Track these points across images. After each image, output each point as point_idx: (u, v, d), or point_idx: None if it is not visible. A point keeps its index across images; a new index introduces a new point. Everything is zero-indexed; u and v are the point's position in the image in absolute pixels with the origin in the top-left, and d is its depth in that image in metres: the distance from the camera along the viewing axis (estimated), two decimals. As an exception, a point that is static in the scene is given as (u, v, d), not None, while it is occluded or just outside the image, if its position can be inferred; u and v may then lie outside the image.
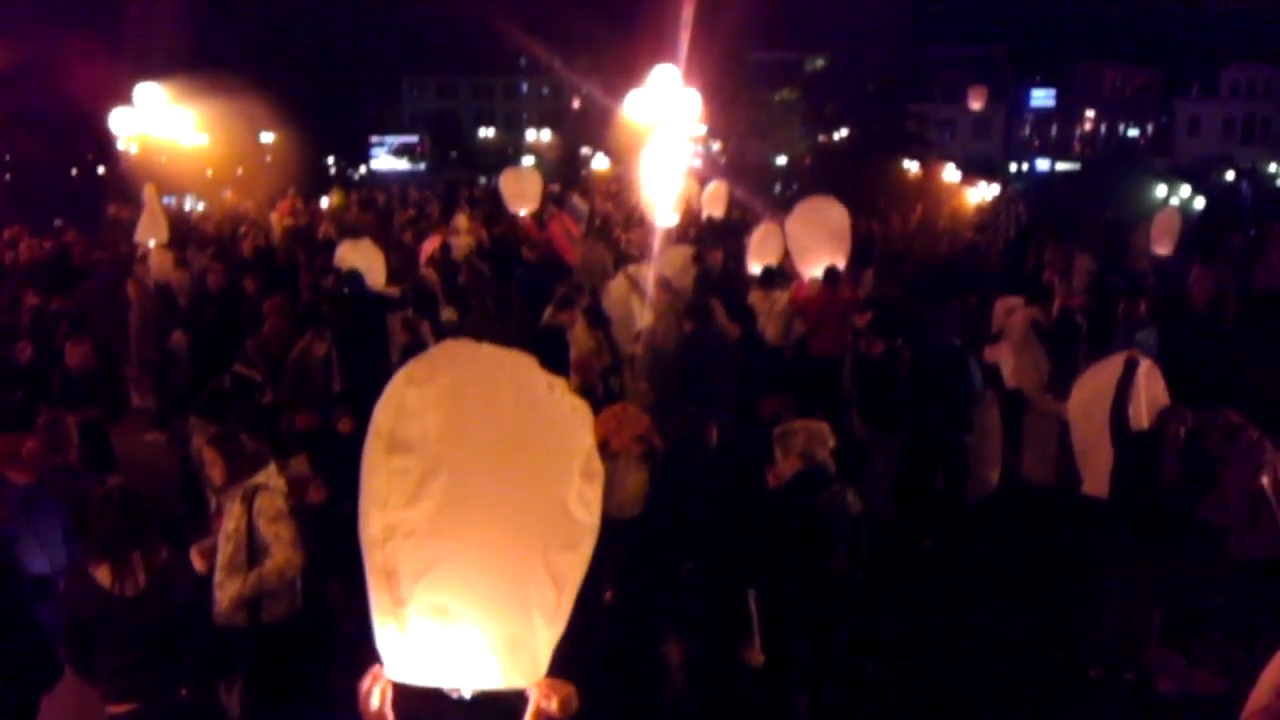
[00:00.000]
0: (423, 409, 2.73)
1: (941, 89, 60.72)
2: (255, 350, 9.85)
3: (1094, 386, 7.41)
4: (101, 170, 32.53)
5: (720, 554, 6.33)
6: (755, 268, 13.10)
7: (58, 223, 19.65)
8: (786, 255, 12.99)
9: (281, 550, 5.52)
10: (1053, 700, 6.96)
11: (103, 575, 4.55)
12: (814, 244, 12.35)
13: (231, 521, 5.58)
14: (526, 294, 12.66)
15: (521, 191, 17.50)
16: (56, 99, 31.64)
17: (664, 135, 16.64)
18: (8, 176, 36.46)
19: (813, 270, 12.05)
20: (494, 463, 2.74)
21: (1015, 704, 6.94)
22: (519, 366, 2.92)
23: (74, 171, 37.21)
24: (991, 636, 7.71)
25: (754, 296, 12.05)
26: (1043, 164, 70.72)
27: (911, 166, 42.25)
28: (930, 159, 42.40)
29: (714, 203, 19.21)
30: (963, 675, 7.25)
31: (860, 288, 13.02)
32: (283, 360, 9.35)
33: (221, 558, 5.55)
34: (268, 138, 41.65)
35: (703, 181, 20.79)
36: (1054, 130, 76.47)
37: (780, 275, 12.74)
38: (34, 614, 5.22)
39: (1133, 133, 78.83)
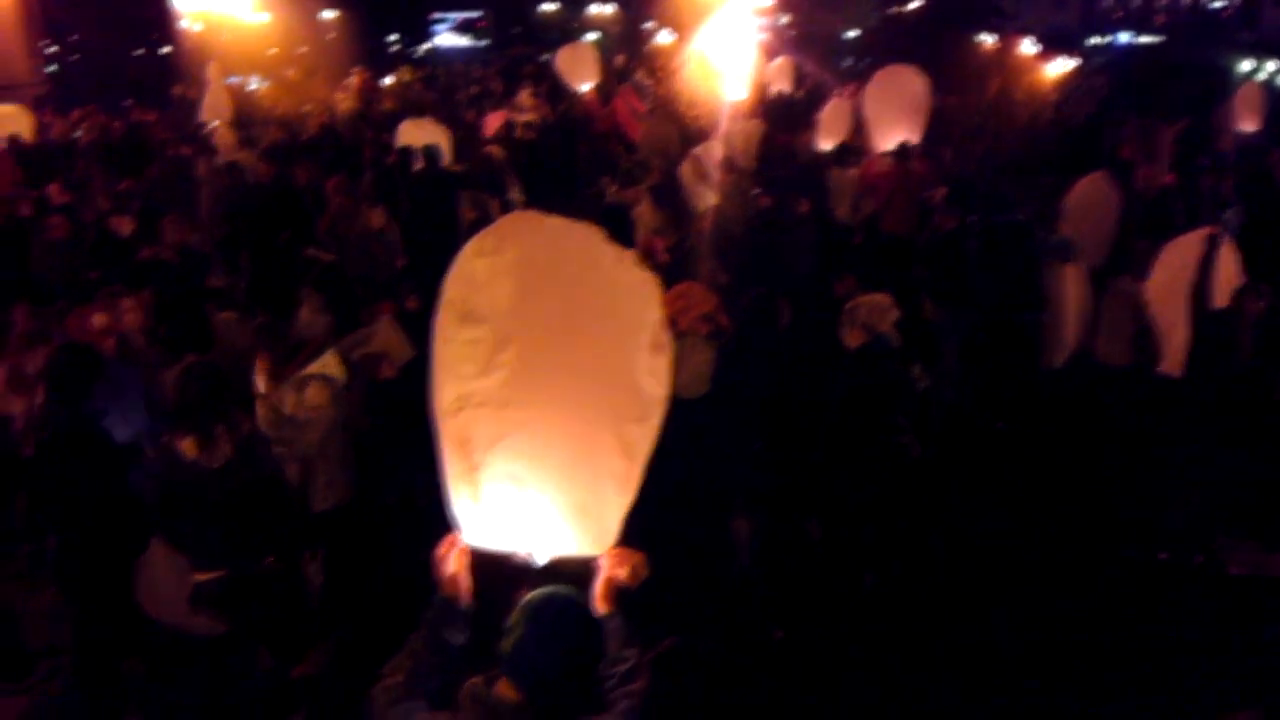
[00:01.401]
0: (492, 280, 2.73)
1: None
2: (325, 231, 9.90)
3: (1174, 264, 7.22)
4: (165, 50, 32.49)
5: (787, 431, 6.33)
6: (826, 144, 12.83)
7: (127, 103, 19.75)
8: (859, 130, 12.70)
9: (306, 442, 5.56)
10: (1120, 583, 6.93)
11: (188, 447, 4.67)
12: (890, 117, 12.04)
13: (285, 411, 5.64)
14: (591, 171, 12.55)
15: (578, 67, 17.21)
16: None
17: (730, 8, 16.23)
18: (75, 57, 36.54)
19: (888, 145, 11.78)
20: (563, 333, 2.74)
21: (1082, 587, 6.92)
22: (587, 238, 2.90)
23: (138, 52, 37.18)
24: (1060, 518, 7.67)
25: (831, 174, 11.83)
26: (1124, 37, 67.93)
27: (987, 39, 40.83)
28: (1007, 31, 40.91)
29: (780, 77, 18.79)
30: (1030, 556, 7.24)
31: (934, 163, 12.73)
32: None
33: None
34: (329, 15, 41.26)
35: (770, 55, 20.31)
36: (1136, 1, 73.27)
37: (852, 151, 12.48)
38: (125, 483, 5.40)
39: (1218, 4, 75.33)
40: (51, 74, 31.85)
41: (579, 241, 2.87)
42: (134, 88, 24.92)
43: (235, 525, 4.76)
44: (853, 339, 6.09)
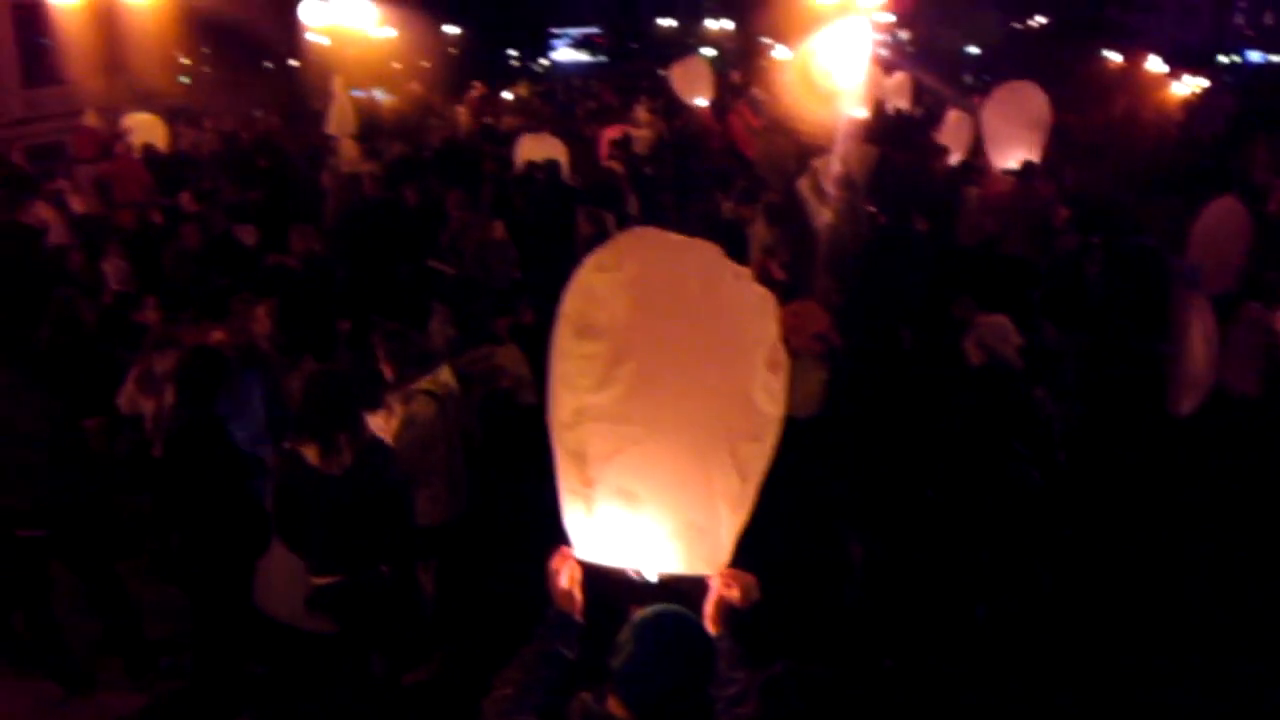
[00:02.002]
0: (611, 295, 2.74)
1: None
2: (447, 243, 10.05)
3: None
4: (293, 64, 33.48)
5: (903, 454, 6.22)
6: (944, 161, 12.63)
7: (256, 114, 20.39)
8: (979, 147, 12.47)
9: (407, 457, 5.55)
10: (1249, 623, 6.65)
11: (311, 454, 4.76)
12: (1010, 134, 11.81)
13: (393, 421, 5.71)
14: (707, 187, 12.55)
15: (693, 83, 17.23)
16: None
17: (847, 23, 16.11)
18: (206, 70, 37.76)
19: (1007, 163, 11.53)
20: (680, 350, 2.73)
21: (1208, 628, 6.66)
22: (705, 255, 2.89)
23: (267, 65, 38.31)
24: (1186, 556, 7.38)
25: (943, 191, 11.64)
26: (1255, 55, 65.47)
27: (1113, 57, 39.78)
28: (1133, 49, 39.79)
29: (898, 93, 18.56)
30: (1153, 594, 6.99)
31: (1055, 183, 12.44)
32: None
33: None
34: (452, 30, 42.05)
35: (888, 71, 20.09)
36: (1268, 19, 70.56)
37: (971, 169, 12.26)
38: (247, 487, 5.55)
39: (1355, 21, 72.20)
40: (184, 85, 32.97)
41: (698, 258, 2.86)
42: (263, 100, 25.70)
43: (353, 532, 4.83)
44: (974, 361, 5.96)
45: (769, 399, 2.83)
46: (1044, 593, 6.68)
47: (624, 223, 10.55)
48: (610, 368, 2.71)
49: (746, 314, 2.85)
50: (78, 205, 12.79)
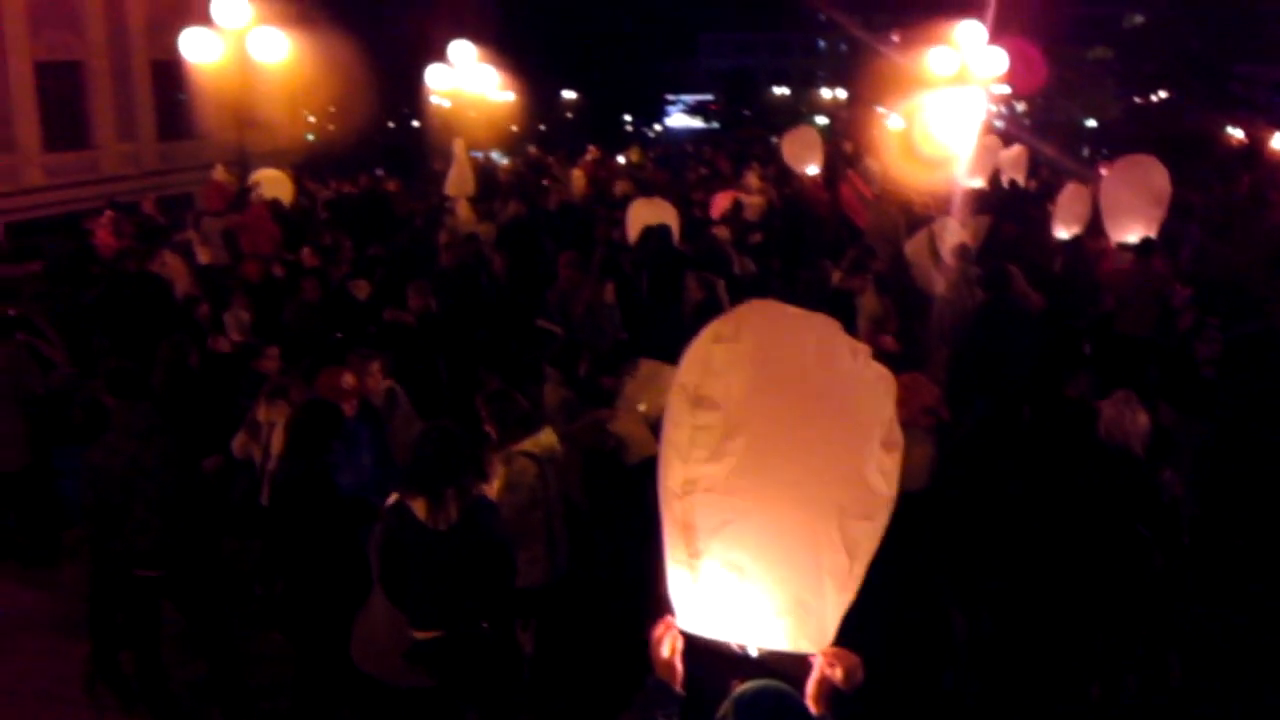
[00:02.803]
0: (728, 367, 2.74)
1: (1272, 48, 55.29)
2: (554, 304, 10.17)
3: None
4: (416, 124, 34.52)
5: (1015, 531, 6.07)
6: (1061, 233, 12.43)
7: (379, 173, 21.01)
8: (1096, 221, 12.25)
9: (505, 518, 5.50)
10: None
11: (419, 508, 4.83)
12: (1129, 208, 11.58)
13: (497, 481, 5.71)
14: (815, 255, 12.52)
15: (803, 151, 17.29)
16: (379, 55, 33.77)
17: (963, 95, 16.04)
18: (331, 127, 39.10)
19: (1125, 237, 11.30)
20: (795, 425, 2.72)
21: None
22: (824, 330, 2.88)
23: (390, 125, 39.58)
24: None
25: (1059, 265, 11.44)
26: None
27: (1237, 133, 38.84)
28: (1259, 125, 38.82)
29: (1014, 166, 18.37)
30: (1267, 677, 6.69)
31: (1173, 261, 12.14)
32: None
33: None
34: (569, 95, 42.99)
35: (1006, 142, 19.92)
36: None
37: (1088, 244, 12.04)
38: (352, 538, 5.64)
39: None
40: (311, 142, 34.12)
41: (816, 333, 2.85)
42: (385, 158, 26.50)
43: (455, 588, 4.86)
44: (1096, 441, 5.82)
45: (882, 479, 2.80)
46: (1172, 676, 6.43)
47: (733, 288, 10.57)
48: (724, 439, 2.71)
49: (863, 391, 2.82)
50: (204, 256, 13.30)
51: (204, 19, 17.11)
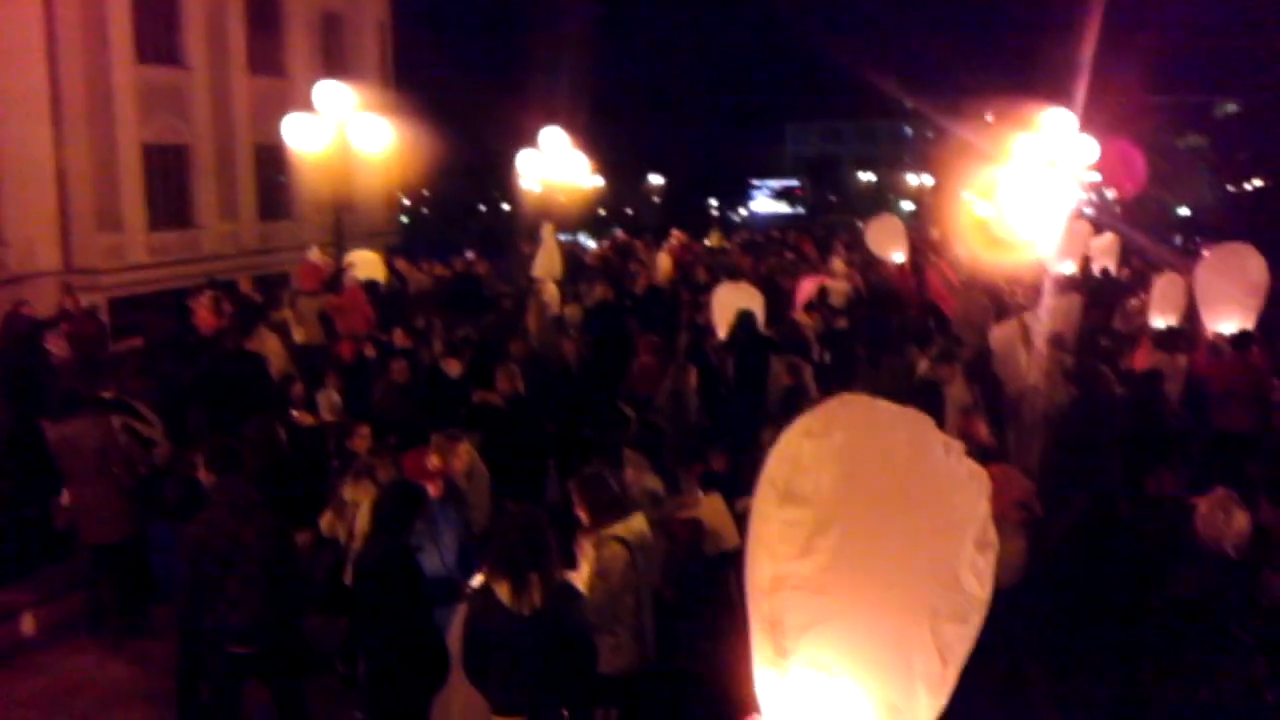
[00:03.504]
0: (818, 463, 2.71)
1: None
2: (627, 387, 10.21)
3: None
4: (507, 207, 35.28)
5: (1108, 632, 5.88)
6: (1157, 323, 12.18)
7: (470, 255, 21.42)
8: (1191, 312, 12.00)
9: (594, 604, 5.51)
10: None
11: (503, 592, 4.83)
12: (1225, 298, 11.33)
13: (586, 564, 5.72)
14: (901, 342, 12.43)
15: (888, 240, 17.24)
16: (473, 141, 34.72)
17: (1054, 182, 15.92)
18: (425, 210, 40.07)
19: (1222, 328, 11.04)
20: (886, 523, 2.68)
21: None
22: (916, 425, 2.85)
23: (482, 208, 40.48)
24: None
25: (1154, 358, 11.18)
26: None
27: (1339, 221, 37.91)
28: (1363, 212, 37.89)
29: (1105, 254, 18.13)
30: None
31: (1272, 353, 11.80)
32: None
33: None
34: (656, 179, 43.61)
35: (1096, 229, 19.69)
36: None
37: (1182, 335, 11.77)
38: (433, 619, 5.66)
39: None
40: (405, 224, 34.92)
41: (908, 429, 2.82)
42: (477, 240, 27.02)
43: (537, 674, 4.84)
44: (1190, 540, 5.64)
45: (976, 580, 2.74)
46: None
47: (820, 375, 10.53)
48: (813, 536, 2.68)
49: (957, 489, 2.78)
50: (299, 335, 13.62)
51: (306, 105, 17.70)
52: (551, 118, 25.94)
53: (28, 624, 8.22)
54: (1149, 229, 28.48)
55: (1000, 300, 15.07)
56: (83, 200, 23.97)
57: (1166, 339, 11.49)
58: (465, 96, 39.09)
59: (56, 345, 13.53)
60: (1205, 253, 12.42)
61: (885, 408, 2.88)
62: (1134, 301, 14.44)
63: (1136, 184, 26.15)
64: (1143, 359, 11.13)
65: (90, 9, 23.56)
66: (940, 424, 6.84)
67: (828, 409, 2.90)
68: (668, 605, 6.11)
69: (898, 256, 17.06)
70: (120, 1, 24.12)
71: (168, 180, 26.18)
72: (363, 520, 6.71)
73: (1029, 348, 10.69)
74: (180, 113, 26.19)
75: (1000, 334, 11.33)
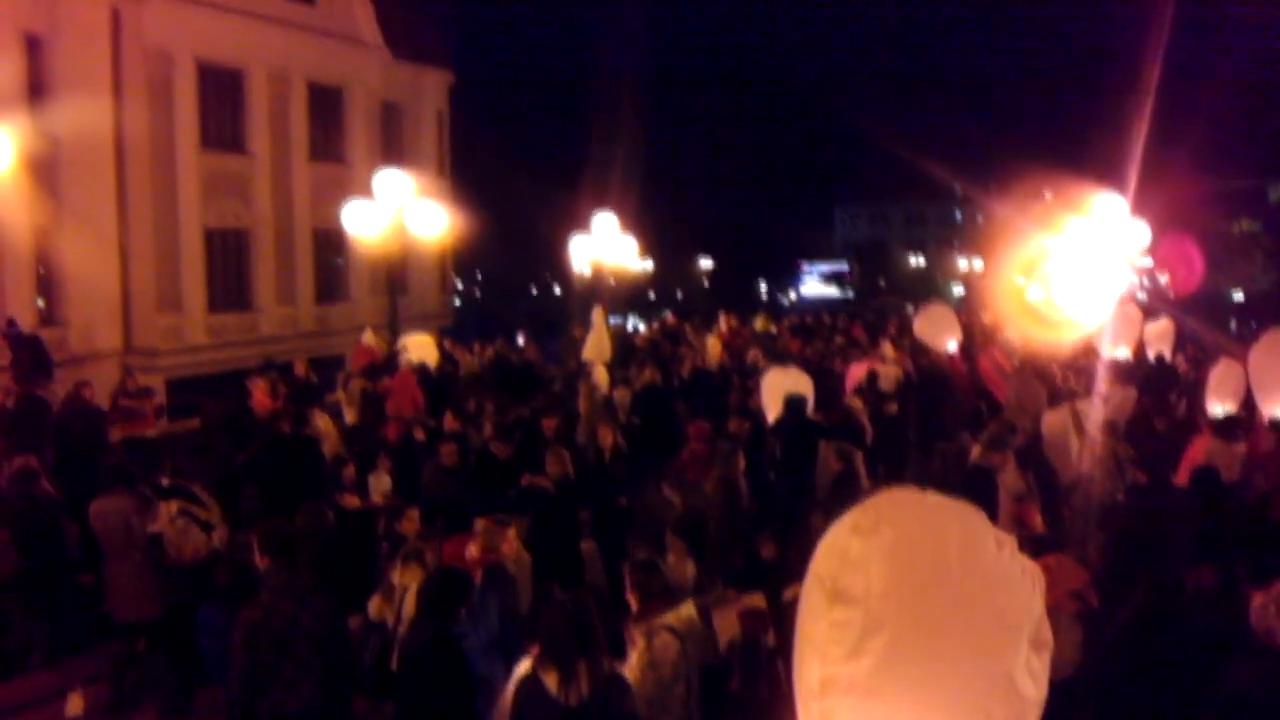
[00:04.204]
0: (866, 561, 2.68)
1: None
2: (673, 473, 10.17)
3: None
4: (557, 290, 35.65)
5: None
6: (1215, 409, 12.00)
7: (520, 337, 21.62)
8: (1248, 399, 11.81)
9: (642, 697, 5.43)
10: None
11: (550, 681, 4.80)
12: (1281, 386, 11.16)
13: (634, 654, 5.66)
14: (952, 428, 12.34)
15: (939, 330, 17.13)
16: (526, 226, 35.27)
17: (1106, 267, 15.81)
18: (477, 292, 40.53)
19: (1278, 414, 10.85)
20: (938, 624, 2.63)
21: None
22: (967, 521, 2.80)
23: (534, 292, 40.93)
24: None
25: (1211, 446, 10.98)
26: None
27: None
28: None
29: (1160, 340, 17.91)
30: None
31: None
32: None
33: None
34: (705, 263, 43.91)
35: (1148, 314, 19.48)
36: None
37: (1240, 422, 11.57)
38: (477, 706, 5.63)
39: None
40: (458, 307, 35.34)
41: (959, 524, 2.78)
42: (528, 323, 27.27)
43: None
44: (1247, 633, 5.50)
45: (1031, 681, 2.68)
46: None
47: (869, 460, 10.45)
48: (863, 638, 2.63)
49: (1010, 587, 2.73)
50: (351, 416, 13.77)
51: (364, 191, 18.09)
52: (602, 202, 26.30)
53: (74, 705, 8.26)
54: (1203, 314, 28.17)
55: (1053, 386, 14.92)
56: (144, 282, 24.61)
57: (1225, 427, 11.29)
58: (518, 182, 39.85)
59: (112, 426, 13.77)
60: (1262, 337, 12.21)
61: (935, 501, 2.84)
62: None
63: (1194, 281, 25.99)
64: (1200, 448, 10.93)
65: (158, 96, 24.40)
66: (993, 512, 6.75)
67: (876, 504, 2.87)
68: (728, 695, 6.03)
69: (950, 345, 16.92)
70: (187, 90, 24.97)
71: (228, 263, 26.80)
72: (410, 605, 6.72)
73: (1081, 435, 10.55)
74: (242, 197, 26.88)
75: (1052, 421, 11.20)
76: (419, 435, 11.72)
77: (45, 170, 20.55)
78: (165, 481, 9.06)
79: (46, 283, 22.89)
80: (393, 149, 31.24)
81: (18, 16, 21.53)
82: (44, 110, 21.33)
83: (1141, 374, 15.69)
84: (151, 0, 23.93)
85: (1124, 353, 16.57)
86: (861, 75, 78.13)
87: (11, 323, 17.26)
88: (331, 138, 29.55)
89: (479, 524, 7.27)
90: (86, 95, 22.55)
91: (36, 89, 21.79)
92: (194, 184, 25.31)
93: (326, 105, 29.30)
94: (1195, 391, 13.52)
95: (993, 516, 6.74)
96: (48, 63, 22.21)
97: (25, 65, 21.62)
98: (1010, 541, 2.82)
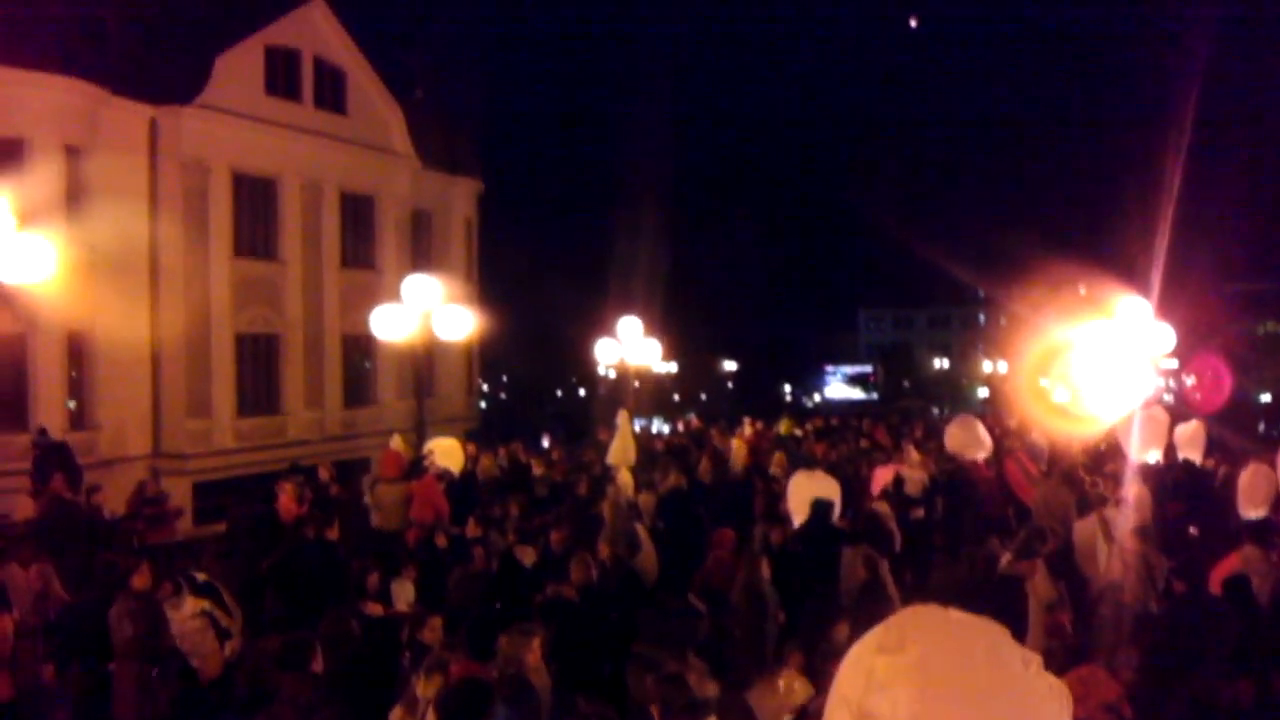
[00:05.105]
0: (892, 681, 2.68)
1: None
2: (699, 581, 10.08)
3: None
4: (582, 392, 35.81)
5: None
6: (1248, 514, 11.86)
7: (545, 440, 21.67)
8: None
9: None
10: None
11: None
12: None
13: None
14: (979, 533, 12.20)
15: (967, 442, 17.03)
16: (551, 330, 35.59)
17: (1134, 370, 15.77)
18: (503, 396, 40.76)
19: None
20: (965, 743, 2.62)
21: None
22: (994, 639, 2.81)
23: (559, 394, 41.09)
24: None
25: (1247, 552, 10.82)
26: None
27: None
28: None
29: (1190, 444, 17.73)
30: None
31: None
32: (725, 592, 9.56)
33: None
34: (729, 365, 44.06)
35: (1174, 417, 19.33)
36: None
37: (1273, 528, 11.41)
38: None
39: None
40: (483, 410, 35.49)
41: (984, 642, 2.78)
42: (552, 425, 27.34)
43: None
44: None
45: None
46: None
47: (895, 566, 10.35)
48: (890, 758, 2.63)
49: (1037, 707, 2.72)
50: (376, 520, 13.77)
51: (393, 296, 18.31)
52: (627, 305, 26.55)
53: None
54: (1231, 418, 27.95)
55: (1081, 491, 14.77)
56: (175, 386, 24.91)
57: (1259, 533, 11.14)
58: (544, 286, 40.39)
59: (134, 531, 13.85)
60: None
61: (960, 619, 2.85)
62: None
63: (1220, 399, 25.97)
64: (1235, 555, 10.77)
65: (193, 204, 25.00)
66: (1022, 622, 6.70)
67: (901, 621, 2.87)
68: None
69: (980, 456, 16.79)
70: (221, 198, 25.56)
71: (257, 368, 27.12)
72: (432, 717, 6.65)
73: (1110, 542, 10.44)
74: (273, 303, 27.29)
75: (1081, 529, 11.09)
76: (440, 541, 11.69)
77: (80, 275, 20.99)
78: (201, 577, 9.08)
79: (78, 386, 23.20)
80: (422, 255, 31.76)
81: (59, 129, 22.21)
82: (81, 217, 21.85)
83: (1171, 478, 15.52)
84: (189, 112, 24.63)
85: (1154, 456, 16.42)
86: (886, 180, 79.17)
87: (42, 431, 17.50)
88: (362, 244, 30.06)
89: (504, 636, 7.22)
90: (123, 203, 23.13)
91: (74, 196, 22.35)
92: (226, 290, 25.75)
93: (358, 213, 29.88)
94: (1226, 496, 13.33)
95: (1022, 626, 6.73)
96: (86, 171, 22.81)
97: (65, 174, 22.20)
98: (1036, 660, 2.81)
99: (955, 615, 2.88)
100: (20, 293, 13.52)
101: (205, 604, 8.60)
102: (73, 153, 22.54)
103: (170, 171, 24.70)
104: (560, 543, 10.85)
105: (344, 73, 29.17)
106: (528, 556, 10.81)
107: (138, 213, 23.82)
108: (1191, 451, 17.52)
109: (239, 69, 25.87)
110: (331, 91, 28.89)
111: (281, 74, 27.36)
